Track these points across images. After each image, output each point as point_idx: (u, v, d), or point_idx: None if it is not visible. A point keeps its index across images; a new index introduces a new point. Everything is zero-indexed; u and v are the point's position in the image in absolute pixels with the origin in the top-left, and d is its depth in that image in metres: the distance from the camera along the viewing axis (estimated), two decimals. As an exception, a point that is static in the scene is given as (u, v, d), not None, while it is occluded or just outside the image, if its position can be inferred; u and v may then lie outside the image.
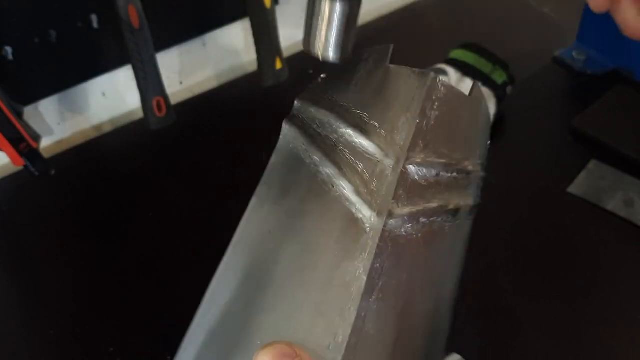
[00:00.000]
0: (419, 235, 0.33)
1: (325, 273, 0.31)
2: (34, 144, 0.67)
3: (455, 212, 0.34)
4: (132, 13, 0.67)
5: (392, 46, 0.39)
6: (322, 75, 0.39)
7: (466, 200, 0.34)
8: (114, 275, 0.64)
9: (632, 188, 0.69)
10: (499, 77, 0.77)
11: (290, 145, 0.36)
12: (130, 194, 0.73)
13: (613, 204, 0.67)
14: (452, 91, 0.37)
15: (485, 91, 0.76)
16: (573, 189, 0.69)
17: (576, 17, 0.87)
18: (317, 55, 0.34)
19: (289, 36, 0.80)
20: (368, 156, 0.34)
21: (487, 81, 0.77)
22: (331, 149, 0.34)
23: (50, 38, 0.70)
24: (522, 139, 0.76)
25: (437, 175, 0.34)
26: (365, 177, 0.33)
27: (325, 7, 0.32)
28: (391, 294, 0.31)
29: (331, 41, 0.33)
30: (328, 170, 0.34)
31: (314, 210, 0.33)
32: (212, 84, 0.89)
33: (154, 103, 0.72)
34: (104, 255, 0.66)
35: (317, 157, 0.35)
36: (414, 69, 0.37)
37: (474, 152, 0.36)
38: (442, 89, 0.36)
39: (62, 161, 0.75)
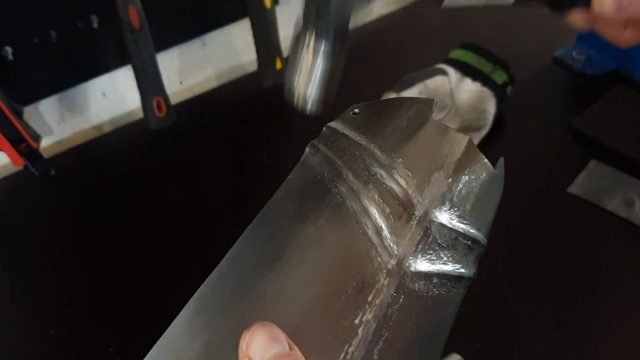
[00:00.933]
0: (429, 294, 0.33)
1: (333, 310, 0.30)
2: (34, 144, 0.67)
3: (461, 279, 0.34)
4: (132, 13, 0.67)
5: (435, 101, 0.39)
6: (356, 110, 0.39)
7: (470, 270, 0.34)
8: (114, 275, 0.64)
9: (632, 188, 0.69)
10: (499, 77, 0.77)
11: (314, 170, 0.36)
12: (130, 194, 0.73)
13: (613, 204, 0.67)
14: (483, 162, 0.37)
15: (485, 91, 0.76)
16: (573, 189, 0.69)
17: (576, 17, 0.87)
18: (297, 107, 0.33)
19: (289, 36, 0.79)
20: (396, 202, 0.34)
21: (487, 81, 0.77)
22: (361, 186, 0.35)
23: (50, 38, 0.70)
24: (522, 139, 0.76)
25: (455, 239, 0.34)
26: (390, 222, 0.33)
27: (308, 62, 0.32)
28: (394, 347, 0.30)
29: (312, 96, 0.32)
30: (355, 205, 0.34)
31: (333, 241, 0.33)
32: (212, 84, 0.89)
33: (154, 103, 0.72)
34: (103, 256, 0.66)
35: (344, 189, 0.35)
36: (456, 129, 0.38)
37: (487, 225, 0.36)
38: (477, 156, 0.37)
39: (62, 161, 0.75)
